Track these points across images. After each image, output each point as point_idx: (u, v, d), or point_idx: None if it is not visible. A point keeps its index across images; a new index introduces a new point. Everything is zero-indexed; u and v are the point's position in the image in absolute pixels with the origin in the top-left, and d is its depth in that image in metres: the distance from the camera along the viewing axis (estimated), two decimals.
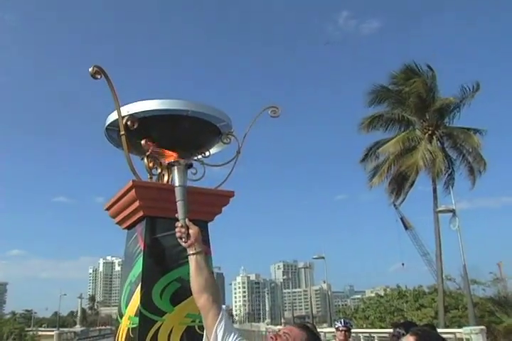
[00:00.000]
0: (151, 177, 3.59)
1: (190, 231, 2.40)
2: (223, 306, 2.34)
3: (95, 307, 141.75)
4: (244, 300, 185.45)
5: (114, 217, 3.75)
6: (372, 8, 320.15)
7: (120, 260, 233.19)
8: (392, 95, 25.47)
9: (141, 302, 3.05)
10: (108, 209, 3.77)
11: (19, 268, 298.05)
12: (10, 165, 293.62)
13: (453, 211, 20.48)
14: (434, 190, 24.28)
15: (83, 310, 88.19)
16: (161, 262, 3.24)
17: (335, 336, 6.13)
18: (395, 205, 34.14)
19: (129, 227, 3.65)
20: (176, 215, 2.51)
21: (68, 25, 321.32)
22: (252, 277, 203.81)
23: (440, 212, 21.37)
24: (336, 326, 6.03)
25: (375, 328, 26.47)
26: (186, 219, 2.47)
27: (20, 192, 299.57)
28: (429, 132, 24.50)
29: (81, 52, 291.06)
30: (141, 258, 3.22)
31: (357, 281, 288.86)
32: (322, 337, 18.42)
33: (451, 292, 27.45)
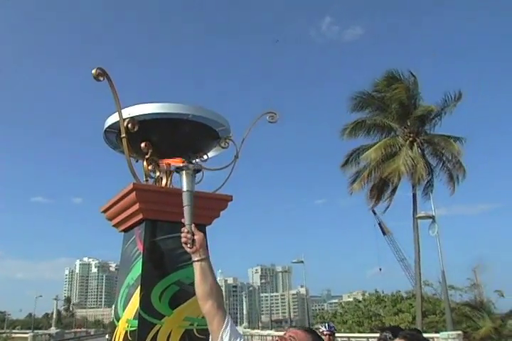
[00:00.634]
0: (147, 180, 3.58)
1: (196, 237, 2.39)
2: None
3: (71, 309, 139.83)
4: None
5: (111, 219, 3.72)
6: (355, 14, 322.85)
7: (97, 261, 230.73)
8: (375, 101, 25.61)
9: (140, 305, 3.05)
10: (105, 211, 3.74)
11: None
12: None
13: (432, 217, 20.69)
14: (414, 196, 24.41)
15: (58, 312, 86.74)
16: (160, 265, 3.24)
17: None
18: (373, 211, 34.40)
19: (126, 230, 3.63)
20: (182, 220, 2.49)
21: (68, 25, 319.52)
22: (230, 280, 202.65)
23: (420, 218, 21.55)
24: (321, 330, 6.02)
25: (353, 333, 26.63)
26: (192, 225, 2.46)
27: None
28: (410, 139, 24.63)
29: (81, 52, 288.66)
30: (140, 261, 3.21)
31: (334, 286, 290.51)
32: None
33: (429, 297, 27.79)
